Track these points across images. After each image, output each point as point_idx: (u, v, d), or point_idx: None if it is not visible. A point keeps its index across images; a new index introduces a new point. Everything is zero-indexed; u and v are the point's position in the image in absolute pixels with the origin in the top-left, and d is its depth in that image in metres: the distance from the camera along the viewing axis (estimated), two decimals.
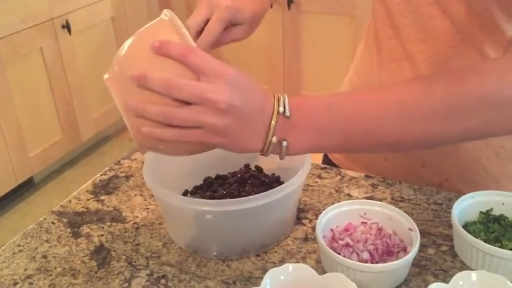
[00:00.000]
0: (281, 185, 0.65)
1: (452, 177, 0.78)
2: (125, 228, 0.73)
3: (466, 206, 0.67)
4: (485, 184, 0.75)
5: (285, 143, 0.56)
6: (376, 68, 0.78)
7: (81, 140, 2.38)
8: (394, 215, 0.65)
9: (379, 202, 0.68)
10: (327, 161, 0.93)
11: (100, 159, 2.43)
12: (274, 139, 0.55)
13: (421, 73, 0.71)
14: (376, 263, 0.61)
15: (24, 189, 2.21)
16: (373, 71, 0.79)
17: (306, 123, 0.56)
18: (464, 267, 0.64)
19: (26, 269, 0.67)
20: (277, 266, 0.64)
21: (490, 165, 0.75)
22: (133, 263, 0.67)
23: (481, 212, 0.68)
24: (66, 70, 2.24)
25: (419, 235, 0.61)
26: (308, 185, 0.80)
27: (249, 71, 2.91)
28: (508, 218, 0.67)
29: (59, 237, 0.73)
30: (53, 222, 0.75)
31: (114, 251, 0.69)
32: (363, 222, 0.67)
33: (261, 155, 0.57)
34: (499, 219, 0.66)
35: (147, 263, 0.67)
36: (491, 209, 0.68)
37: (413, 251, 0.59)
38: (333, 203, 0.68)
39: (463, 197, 0.67)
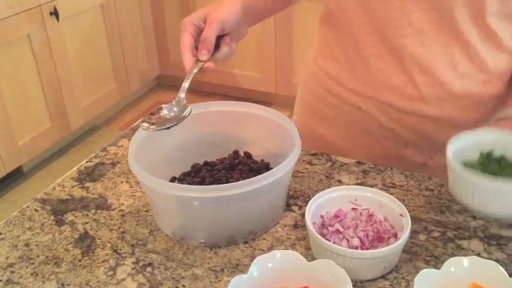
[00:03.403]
0: (270, 171, 0.63)
1: (436, 154, 0.78)
2: (110, 216, 0.72)
3: (464, 145, 0.63)
4: None
5: None
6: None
7: (70, 129, 2.35)
8: (385, 201, 0.64)
9: (370, 188, 0.66)
10: None
11: (90, 149, 2.40)
12: None
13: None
14: (367, 249, 0.59)
15: (13, 178, 2.17)
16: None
17: None
18: (456, 253, 0.63)
19: (7, 258, 0.65)
20: (266, 253, 0.62)
21: None
22: (119, 251, 0.65)
23: (481, 154, 0.65)
24: (55, 57, 2.20)
25: (410, 221, 0.60)
26: (298, 171, 0.78)
27: (240, 60, 2.88)
28: (507, 159, 0.64)
29: (42, 224, 0.71)
30: (36, 210, 0.73)
31: (99, 238, 0.68)
32: (353, 209, 0.66)
33: None
34: (499, 160, 0.64)
35: (133, 251, 0.65)
36: (492, 151, 0.64)
37: (404, 237, 0.58)
38: (323, 190, 0.67)
39: (461, 135, 0.64)
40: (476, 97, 0.76)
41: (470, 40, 0.71)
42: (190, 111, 0.69)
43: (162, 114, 0.68)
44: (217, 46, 0.72)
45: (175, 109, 0.69)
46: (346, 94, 0.81)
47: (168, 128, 0.67)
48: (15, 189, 2.15)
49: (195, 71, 0.69)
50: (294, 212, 0.71)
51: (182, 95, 0.69)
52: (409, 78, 0.74)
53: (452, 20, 0.69)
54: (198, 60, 0.70)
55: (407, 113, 0.77)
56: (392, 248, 0.57)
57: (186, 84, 0.69)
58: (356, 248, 0.60)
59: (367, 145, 0.83)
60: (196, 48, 0.70)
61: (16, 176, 2.19)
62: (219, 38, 0.72)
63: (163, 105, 0.69)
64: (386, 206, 0.64)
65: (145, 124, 0.67)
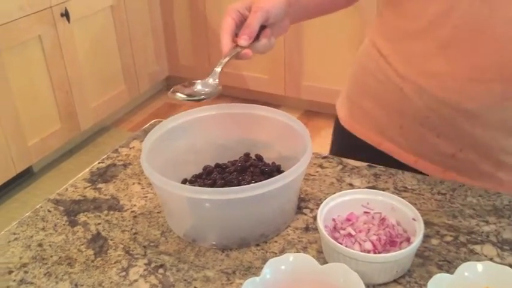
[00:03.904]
0: (281, 174, 0.63)
1: (466, 148, 0.77)
2: (122, 217, 0.72)
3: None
4: (498, 158, 0.75)
5: None
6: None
7: (80, 130, 2.36)
8: (397, 204, 0.64)
9: (382, 192, 0.66)
10: (338, 129, 0.93)
11: (99, 149, 2.41)
12: None
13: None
14: (379, 253, 0.59)
15: (23, 178, 2.19)
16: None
17: None
18: (469, 258, 0.62)
19: (21, 258, 0.66)
20: (278, 256, 0.62)
21: (506, 141, 0.75)
22: (131, 252, 0.66)
23: None
24: (65, 59, 2.22)
25: (423, 225, 0.60)
26: (309, 174, 0.78)
27: (249, 61, 2.88)
28: None
29: (55, 225, 0.71)
30: (49, 210, 0.74)
31: (111, 239, 0.68)
32: (365, 212, 0.66)
33: None
34: None
35: (145, 252, 0.66)
36: None
37: (417, 241, 0.57)
38: (334, 193, 0.67)
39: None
40: None
41: None
42: (220, 89, 0.69)
43: (194, 87, 0.68)
44: (257, 37, 0.70)
45: (208, 85, 0.69)
46: (391, 73, 0.80)
47: (199, 100, 0.67)
48: (26, 189, 2.17)
49: (232, 54, 0.68)
50: (305, 215, 0.71)
51: (218, 69, 0.68)
52: (452, 69, 0.73)
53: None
54: (236, 45, 0.69)
55: (445, 104, 0.75)
56: (406, 252, 0.56)
57: (219, 68, 0.68)
58: (368, 251, 0.59)
59: (402, 126, 0.82)
60: (237, 35, 0.70)
61: (26, 176, 2.21)
62: (260, 29, 0.71)
63: (197, 80, 0.69)
64: (399, 210, 0.63)
65: (179, 94, 0.67)
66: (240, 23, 0.70)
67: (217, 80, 0.69)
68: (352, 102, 0.90)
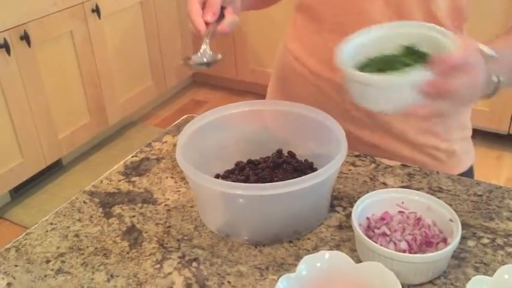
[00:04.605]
0: (316, 171, 0.63)
1: (386, 136, 0.84)
2: (156, 210, 0.73)
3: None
4: (412, 139, 0.84)
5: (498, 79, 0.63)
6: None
7: (108, 124, 2.40)
8: (433, 205, 0.63)
9: (418, 191, 0.65)
10: None
11: (126, 143, 2.45)
12: (495, 78, 0.62)
13: None
14: (415, 253, 0.59)
15: (53, 170, 2.24)
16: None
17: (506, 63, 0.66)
18: (506, 261, 0.61)
19: (58, 247, 0.68)
20: (311, 253, 0.62)
21: (418, 123, 0.83)
22: (165, 245, 0.67)
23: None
24: (95, 54, 2.26)
25: (460, 226, 0.59)
26: (342, 172, 0.78)
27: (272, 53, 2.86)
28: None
29: (91, 216, 0.73)
30: (84, 202, 0.75)
31: (145, 232, 0.69)
32: (400, 212, 0.65)
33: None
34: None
35: (179, 246, 0.67)
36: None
37: (454, 242, 0.57)
38: (367, 191, 0.66)
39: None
40: None
41: None
42: (222, 57, 0.73)
43: (197, 58, 0.73)
44: (222, 16, 0.74)
45: (206, 56, 0.73)
46: (307, 73, 0.87)
47: (208, 64, 0.72)
48: (55, 182, 2.21)
49: (210, 32, 0.72)
50: (338, 213, 0.71)
51: (205, 46, 0.73)
52: None
53: (405, 12, 0.75)
54: (207, 24, 0.72)
55: None
56: (443, 254, 0.56)
57: (205, 46, 0.72)
58: (404, 251, 0.59)
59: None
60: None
61: (56, 168, 2.26)
62: (222, 9, 0.75)
63: (193, 55, 0.73)
64: (435, 210, 0.63)
65: (192, 61, 0.72)
66: (204, 6, 0.75)
67: (210, 51, 0.73)
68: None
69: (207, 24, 0.71)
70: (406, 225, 0.62)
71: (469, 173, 0.89)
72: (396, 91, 0.58)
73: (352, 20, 0.78)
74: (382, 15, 0.76)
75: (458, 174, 0.84)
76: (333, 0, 0.81)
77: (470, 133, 0.90)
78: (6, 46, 1.86)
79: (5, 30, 1.86)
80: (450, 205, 0.69)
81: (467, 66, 0.57)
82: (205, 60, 0.73)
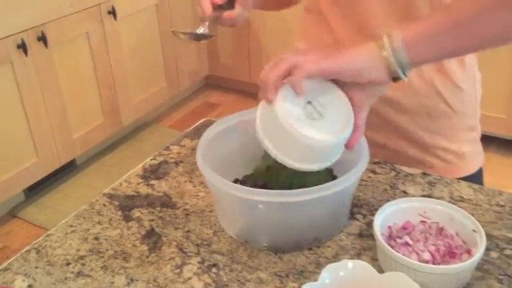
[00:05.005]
0: (337, 179, 0.63)
1: (394, 136, 0.85)
2: (175, 214, 0.73)
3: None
4: (421, 140, 0.84)
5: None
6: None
7: (122, 125, 2.41)
8: (456, 215, 0.62)
9: (440, 201, 0.65)
10: None
11: (140, 145, 2.45)
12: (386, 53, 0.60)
13: None
14: (438, 264, 0.58)
15: (67, 170, 2.25)
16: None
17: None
18: None
19: (78, 250, 0.68)
20: (331, 261, 0.62)
21: (426, 122, 0.83)
22: (184, 250, 0.67)
23: None
24: (111, 55, 2.27)
25: (485, 237, 0.58)
26: (362, 179, 0.77)
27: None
28: None
29: (110, 219, 0.73)
30: (104, 205, 0.76)
31: (165, 236, 0.69)
32: (422, 221, 0.64)
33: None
34: None
35: (198, 251, 0.66)
36: None
37: (479, 254, 0.56)
38: (387, 200, 0.66)
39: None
40: (429, 85, 0.79)
41: None
42: (215, 34, 0.76)
43: (191, 32, 0.76)
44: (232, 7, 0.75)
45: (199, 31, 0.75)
46: None
47: (196, 36, 0.75)
48: (68, 182, 2.23)
49: (212, 17, 0.73)
50: (358, 220, 0.70)
51: (203, 28, 0.75)
52: None
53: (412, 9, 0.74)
54: (214, 9, 0.73)
55: None
56: (468, 265, 0.55)
57: (203, 29, 0.74)
58: (427, 262, 0.58)
59: None
60: (213, 6, 0.75)
61: (69, 168, 2.27)
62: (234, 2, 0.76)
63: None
64: (458, 220, 0.62)
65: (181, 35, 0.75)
66: None
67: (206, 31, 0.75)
68: None
69: (214, 10, 0.73)
70: (429, 235, 0.62)
71: (478, 175, 0.88)
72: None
73: (358, 18, 0.78)
74: (386, 13, 0.76)
75: (467, 177, 0.84)
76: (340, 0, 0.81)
77: (479, 135, 0.89)
78: (23, 47, 1.88)
79: (22, 31, 1.88)
80: (472, 215, 0.68)
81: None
82: (194, 31, 0.74)
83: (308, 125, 0.61)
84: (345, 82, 0.63)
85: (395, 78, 0.63)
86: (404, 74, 0.62)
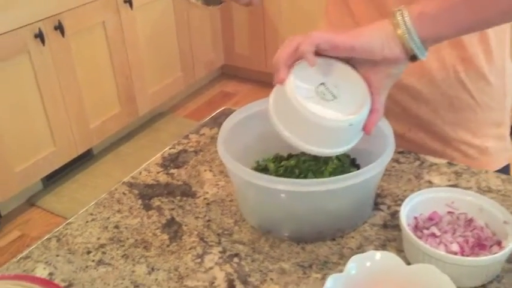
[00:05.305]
0: (362, 169, 0.61)
1: (414, 127, 0.82)
2: (195, 204, 0.72)
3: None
4: (444, 133, 0.81)
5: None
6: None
7: (138, 114, 2.41)
8: (486, 206, 0.60)
9: (468, 191, 0.63)
10: None
11: (155, 134, 2.46)
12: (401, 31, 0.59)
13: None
14: (467, 256, 0.56)
15: (83, 160, 2.27)
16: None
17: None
18: None
19: (99, 238, 0.67)
20: (355, 252, 0.61)
21: (447, 114, 0.80)
22: (205, 239, 0.66)
23: None
24: (127, 45, 2.27)
25: None
26: (386, 169, 0.75)
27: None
28: None
29: (131, 208, 0.72)
30: (124, 193, 0.75)
31: (185, 225, 0.68)
32: (449, 212, 0.62)
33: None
34: None
35: (219, 240, 0.66)
36: None
37: (511, 245, 0.54)
38: (412, 190, 0.64)
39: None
40: (451, 74, 0.77)
41: None
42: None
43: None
44: None
45: None
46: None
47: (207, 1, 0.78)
48: (85, 171, 2.24)
49: None
50: (382, 211, 0.69)
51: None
52: None
53: None
54: None
55: None
56: (499, 257, 0.53)
57: None
58: (455, 253, 0.57)
59: None
60: None
61: (86, 157, 2.28)
62: None
63: None
64: (488, 211, 0.60)
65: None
66: None
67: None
68: None
69: None
70: (457, 227, 0.60)
71: (503, 172, 0.85)
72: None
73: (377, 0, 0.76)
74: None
75: None
76: None
77: (507, 131, 0.86)
78: (40, 36, 1.88)
79: (39, 20, 1.88)
80: (501, 206, 0.66)
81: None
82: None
83: (319, 105, 0.59)
84: (360, 63, 0.62)
85: (412, 58, 0.61)
86: (420, 51, 0.60)
